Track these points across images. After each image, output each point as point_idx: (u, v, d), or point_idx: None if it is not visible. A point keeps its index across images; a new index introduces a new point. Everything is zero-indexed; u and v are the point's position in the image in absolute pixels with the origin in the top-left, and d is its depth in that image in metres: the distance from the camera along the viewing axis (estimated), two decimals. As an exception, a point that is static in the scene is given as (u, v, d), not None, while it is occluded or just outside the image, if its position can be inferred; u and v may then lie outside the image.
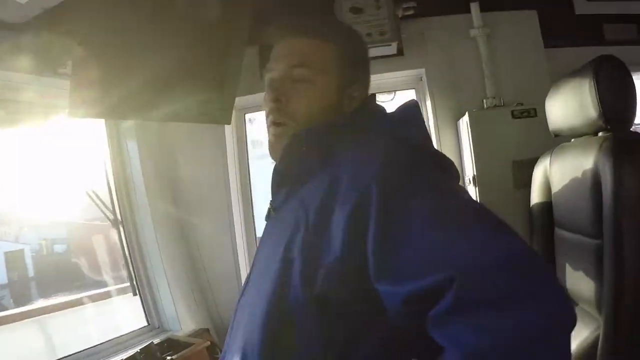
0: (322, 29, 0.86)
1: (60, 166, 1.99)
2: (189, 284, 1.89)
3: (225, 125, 1.84)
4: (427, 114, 1.83)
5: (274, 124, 0.81)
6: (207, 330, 1.85)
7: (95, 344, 1.64)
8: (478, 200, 1.55)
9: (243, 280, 1.61)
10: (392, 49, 1.62)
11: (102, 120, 1.80)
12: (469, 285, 0.53)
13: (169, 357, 1.53)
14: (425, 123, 0.84)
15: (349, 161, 0.71)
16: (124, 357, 1.54)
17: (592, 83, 1.04)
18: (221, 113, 1.67)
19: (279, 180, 0.82)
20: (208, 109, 1.64)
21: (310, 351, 0.65)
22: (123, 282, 2.00)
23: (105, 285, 2.23)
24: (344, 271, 0.64)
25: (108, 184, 1.84)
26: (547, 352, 0.52)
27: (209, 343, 1.68)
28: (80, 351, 1.55)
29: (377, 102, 0.87)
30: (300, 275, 0.66)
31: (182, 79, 1.53)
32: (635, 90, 1.07)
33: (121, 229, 1.84)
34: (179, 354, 1.55)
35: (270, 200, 0.86)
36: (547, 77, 1.62)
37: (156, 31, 1.41)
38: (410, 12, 1.58)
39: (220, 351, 1.17)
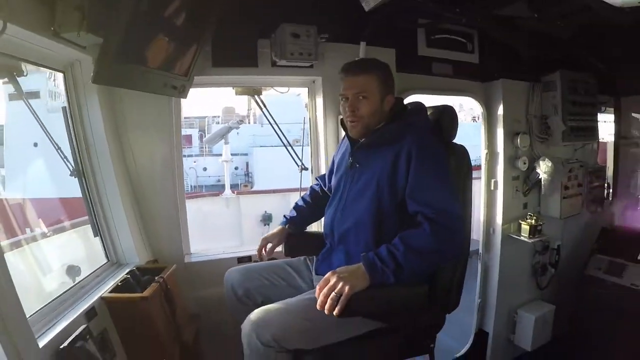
0: (368, 68, 1.73)
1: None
2: (141, 225, 2.30)
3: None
4: (318, 104, 2.59)
5: (352, 121, 1.71)
6: (156, 260, 2.30)
7: (77, 282, 1.96)
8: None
9: (180, 220, 2.39)
10: (309, 63, 2.33)
11: (61, 77, 2.00)
12: (434, 217, 1.50)
13: (157, 277, 1.96)
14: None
15: (404, 142, 1.61)
16: (117, 281, 1.91)
17: (440, 116, 1.83)
18: (184, 89, 2.15)
19: (364, 148, 1.73)
20: (175, 84, 2.06)
21: (389, 223, 1.63)
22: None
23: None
24: (403, 191, 1.58)
25: (70, 138, 2.06)
26: (432, 258, 1.53)
27: (175, 266, 2.16)
28: (69, 289, 1.84)
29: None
30: (389, 194, 1.62)
31: (164, 57, 1.94)
32: (456, 123, 1.86)
33: (83, 179, 2.10)
34: (163, 273, 2.02)
35: (352, 159, 1.78)
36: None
37: (156, 17, 1.77)
38: (323, 40, 2.31)
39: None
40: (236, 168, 17.81)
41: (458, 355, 3.16)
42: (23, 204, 4.33)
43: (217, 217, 8.03)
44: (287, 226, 2.06)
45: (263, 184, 13.30)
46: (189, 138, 19.69)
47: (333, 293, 1.40)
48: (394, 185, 1.61)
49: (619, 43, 2.77)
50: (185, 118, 20.61)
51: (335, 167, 1.96)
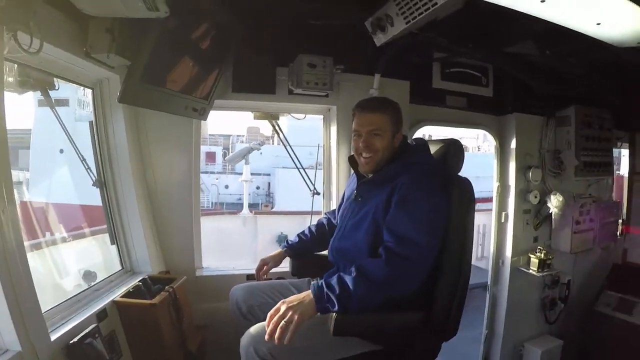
0: (382, 107, 1.80)
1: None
2: (156, 237, 2.41)
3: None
4: (332, 132, 2.68)
5: (365, 157, 1.78)
6: (168, 272, 2.39)
7: (92, 284, 2.07)
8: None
9: (194, 235, 2.47)
10: (324, 92, 2.42)
11: (90, 94, 2.14)
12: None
13: (166, 287, 2.07)
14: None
15: (400, 180, 1.66)
16: (129, 287, 2.01)
17: (447, 149, 1.89)
18: (204, 112, 2.28)
19: (368, 184, 1.81)
20: (196, 107, 2.20)
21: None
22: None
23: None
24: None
25: (95, 150, 2.18)
26: (381, 287, 1.52)
27: (185, 277, 2.26)
28: (84, 290, 1.97)
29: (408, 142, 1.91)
30: (383, 221, 1.64)
31: (187, 82, 2.09)
32: (461, 156, 1.93)
33: (104, 189, 2.23)
34: (173, 284, 2.11)
35: (356, 192, 1.85)
36: (407, 122, 2.59)
37: (180, 42, 1.94)
38: (339, 71, 2.40)
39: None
40: (257, 187, 18.15)
41: (463, 387, 3.14)
42: (46, 208, 4.52)
43: (234, 235, 8.15)
44: (284, 250, 2.17)
45: (284, 205, 13.51)
46: (212, 155, 20.18)
47: (283, 321, 1.45)
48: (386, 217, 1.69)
49: (634, 79, 2.77)
50: (210, 135, 21.12)
51: (344, 200, 2.05)
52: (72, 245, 3.44)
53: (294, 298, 1.52)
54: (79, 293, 1.93)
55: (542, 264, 3.00)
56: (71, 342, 1.57)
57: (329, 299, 1.48)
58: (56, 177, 5.45)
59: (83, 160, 2.27)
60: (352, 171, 1.95)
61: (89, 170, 2.27)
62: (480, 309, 3.29)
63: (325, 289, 1.50)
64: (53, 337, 1.54)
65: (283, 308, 1.48)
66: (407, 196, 1.63)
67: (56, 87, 2.10)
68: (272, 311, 1.50)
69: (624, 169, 3.98)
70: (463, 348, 1.82)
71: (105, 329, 1.80)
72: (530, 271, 3.04)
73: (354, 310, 1.50)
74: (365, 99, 1.86)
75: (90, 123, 2.19)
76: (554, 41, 2.24)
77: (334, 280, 1.52)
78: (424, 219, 1.61)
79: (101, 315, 1.82)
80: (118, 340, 1.88)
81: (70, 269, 2.92)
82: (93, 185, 2.26)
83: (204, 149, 19.12)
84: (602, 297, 3.43)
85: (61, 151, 4.64)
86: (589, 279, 3.50)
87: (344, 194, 2.11)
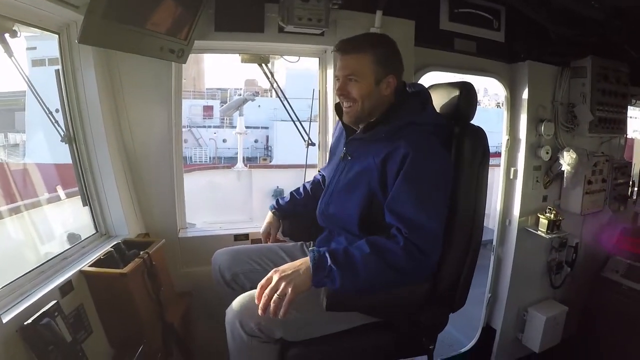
0: (361, 46, 1.51)
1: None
2: (134, 196, 2.19)
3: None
4: (328, 76, 2.45)
5: (345, 106, 1.54)
6: (148, 234, 2.20)
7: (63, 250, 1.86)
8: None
9: (177, 192, 2.26)
10: (319, 30, 2.13)
11: (56, 39, 1.89)
12: (407, 234, 1.33)
13: (142, 252, 1.85)
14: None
15: (400, 140, 1.42)
16: (100, 254, 1.81)
17: (459, 93, 1.65)
18: (182, 53, 1.98)
19: (358, 141, 1.56)
20: (173, 48, 1.92)
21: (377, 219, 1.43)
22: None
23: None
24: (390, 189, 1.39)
25: (62, 102, 1.95)
26: (396, 274, 1.34)
27: (164, 241, 2.04)
28: (49, 260, 1.75)
29: (407, 90, 1.61)
30: (381, 193, 1.43)
31: (162, 19, 1.80)
32: (474, 102, 1.70)
33: (74, 145, 2.00)
34: (150, 249, 1.90)
35: (345, 149, 1.60)
36: (412, 67, 2.36)
37: None
38: (336, 6, 2.10)
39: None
40: (256, 141, 18.03)
41: (462, 350, 3.02)
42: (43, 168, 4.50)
43: (227, 190, 7.97)
44: (273, 212, 1.97)
45: (282, 158, 13.22)
46: (210, 109, 20.03)
47: (275, 295, 1.27)
48: (384, 188, 1.46)
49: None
50: (207, 89, 20.89)
51: (330, 155, 1.84)
52: (65, 205, 3.24)
53: (288, 267, 1.32)
54: (44, 263, 1.72)
55: (552, 225, 2.81)
56: (25, 323, 1.35)
57: (330, 272, 1.28)
58: (52, 137, 5.31)
59: (49, 114, 2.03)
60: (338, 121, 1.72)
61: (56, 124, 2.03)
62: (482, 268, 3.13)
63: (328, 260, 1.29)
64: (5, 319, 1.32)
65: (275, 278, 1.29)
66: (415, 173, 1.40)
67: (17, 35, 1.82)
68: (263, 281, 1.31)
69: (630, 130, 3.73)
70: (465, 308, 1.64)
71: (70, 304, 1.60)
72: (539, 232, 2.85)
73: (353, 290, 1.33)
74: (344, 39, 1.58)
75: (57, 72, 1.93)
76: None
77: (339, 252, 1.32)
78: (437, 202, 1.42)
79: (65, 288, 1.60)
80: (87, 315, 1.68)
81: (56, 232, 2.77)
82: (62, 141, 2.02)
83: (201, 102, 19.18)
84: (610, 262, 3.28)
85: (57, 110, 4.49)
86: (597, 242, 3.32)
87: (331, 147, 1.87)
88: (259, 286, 1.32)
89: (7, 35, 1.78)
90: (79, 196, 2.10)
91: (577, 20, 2.50)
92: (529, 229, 2.89)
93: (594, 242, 3.29)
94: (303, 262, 1.32)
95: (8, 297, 1.44)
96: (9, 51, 1.89)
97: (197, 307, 2.21)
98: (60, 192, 3.27)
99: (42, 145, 5.60)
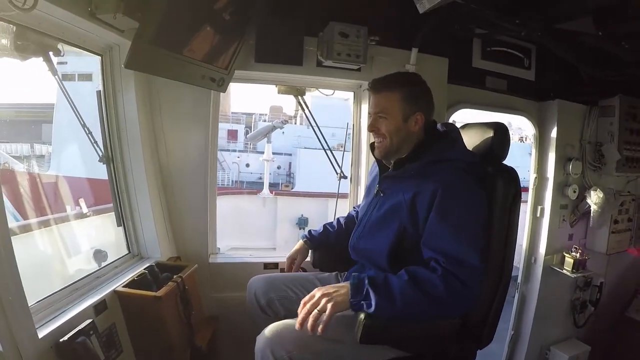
0: (390, 84, 1.58)
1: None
2: (167, 220, 2.22)
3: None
4: (363, 111, 2.48)
5: (376, 142, 1.62)
6: (179, 257, 2.21)
7: (96, 269, 1.89)
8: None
9: (209, 218, 2.29)
10: (357, 65, 2.19)
11: (99, 63, 1.94)
12: (445, 264, 1.34)
13: (175, 276, 1.86)
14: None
15: (430, 176, 1.46)
16: (134, 275, 1.83)
17: (493, 134, 1.68)
18: (223, 82, 2.03)
19: (391, 179, 1.60)
20: (214, 77, 1.96)
21: (412, 256, 1.45)
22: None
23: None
24: (423, 226, 1.42)
25: (102, 123, 1.99)
26: (434, 305, 1.34)
27: (196, 266, 2.05)
28: (83, 277, 1.77)
29: (437, 128, 1.67)
30: (412, 229, 1.46)
31: (204, 48, 1.85)
32: (508, 142, 1.73)
33: (112, 165, 2.04)
34: (182, 273, 1.91)
35: (378, 186, 1.64)
36: (445, 103, 2.39)
37: (198, 3, 1.71)
38: (373, 43, 2.16)
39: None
40: (279, 167, 18.25)
41: (484, 387, 2.95)
42: (67, 182, 4.60)
43: (253, 215, 8.02)
44: (304, 241, 2.01)
45: (304, 186, 13.35)
46: (234, 133, 20.21)
47: (315, 310, 1.33)
48: (415, 224, 1.49)
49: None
50: (232, 113, 21.29)
51: (366, 192, 1.89)
52: (91, 221, 3.26)
53: (331, 287, 1.39)
54: (78, 280, 1.74)
55: (577, 264, 2.79)
56: (61, 340, 1.37)
57: (367, 295, 1.32)
58: (77, 151, 5.43)
59: (89, 134, 2.07)
60: (375, 161, 1.77)
61: (95, 144, 2.06)
62: (505, 304, 3.08)
63: (366, 284, 1.33)
64: (41, 334, 1.35)
65: (318, 295, 1.36)
66: (448, 207, 1.43)
67: (61, 54, 1.87)
68: (306, 298, 1.38)
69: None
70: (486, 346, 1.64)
71: (103, 323, 1.62)
72: (564, 271, 2.82)
73: (388, 317, 1.34)
74: (376, 78, 1.64)
75: (98, 93, 1.99)
76: (614, 19, 2.02)
77: (380, 277, 1.35)
78: (473, 234, 1.43)
79: (99, 307, 1.63)
80: (118, 334, 1.70)
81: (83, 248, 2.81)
82: (99, 161, 2.06)
83: (226, 126, 19.35)
84: (634, 302, 3.22)
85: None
86: (622, 282, 3.27)
87: (367, 185, 1.92)
88: (302, 302, 1.38)
89: (51, 53, 1.84)
90: (106, 212, 2.12)
91: (607, 59, 2.52)
92: (554, 267, 2.86)
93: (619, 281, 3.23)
94: (344, 285, 1.37)
95: (43, 312, 1.46)
96: (52, 69, 1.95)
97: (223, 332, 2.21)
98: (83, 206, 3.32)
99: (68, 158, 5.72)
